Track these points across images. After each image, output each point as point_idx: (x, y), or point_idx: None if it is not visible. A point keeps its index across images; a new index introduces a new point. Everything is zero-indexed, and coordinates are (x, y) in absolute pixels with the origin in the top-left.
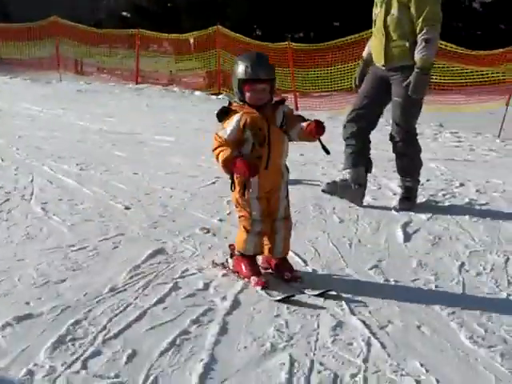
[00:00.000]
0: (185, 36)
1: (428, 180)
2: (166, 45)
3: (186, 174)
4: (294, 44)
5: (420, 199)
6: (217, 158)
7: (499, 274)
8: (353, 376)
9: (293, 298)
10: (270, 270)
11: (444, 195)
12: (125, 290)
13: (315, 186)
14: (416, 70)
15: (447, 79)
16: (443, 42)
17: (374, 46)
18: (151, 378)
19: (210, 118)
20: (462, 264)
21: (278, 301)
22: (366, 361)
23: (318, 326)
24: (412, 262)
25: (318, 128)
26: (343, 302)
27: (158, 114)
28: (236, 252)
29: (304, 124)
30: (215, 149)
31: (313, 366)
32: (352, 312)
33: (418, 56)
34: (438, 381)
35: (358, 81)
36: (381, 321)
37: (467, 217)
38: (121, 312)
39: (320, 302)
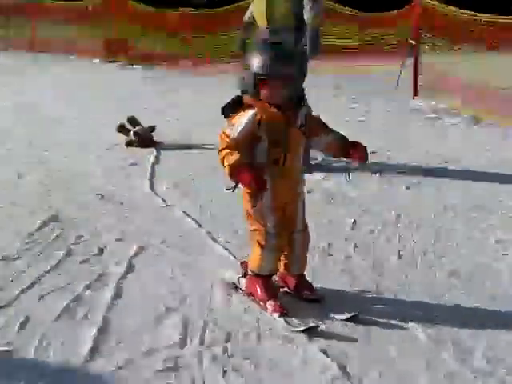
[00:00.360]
0: (82, 3)
1: None
2: (63, 12)
3: (81, 142)
4: (191, 9)
5: (315, 160)
6: (222, 162)
7: (391, 231)
8: (246, 334)
9: (319, 328)
10: (285, 289)
11: None
12: (18, 258)
13: (205, 150)
14: (309, 29)
15: (344, 42)
16: (340, 5)
17: (257, 8)
18: (44, 343)
19: (107, 85)
20: (355, 222)
21: (302, 332)
22: (259, 319)
23: (212, 287)
24: None
25: (365, 156)
26: (238, 262)
27: (55, 82)
28: (249, 271)
29: (342, 143)
30: (222, 150)
31: (206, 326)
32: (245, 273)
33: (308, 15)
34: (328, 330)
35: (239, 44)
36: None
37: (361, 176)
38: (14, 280)
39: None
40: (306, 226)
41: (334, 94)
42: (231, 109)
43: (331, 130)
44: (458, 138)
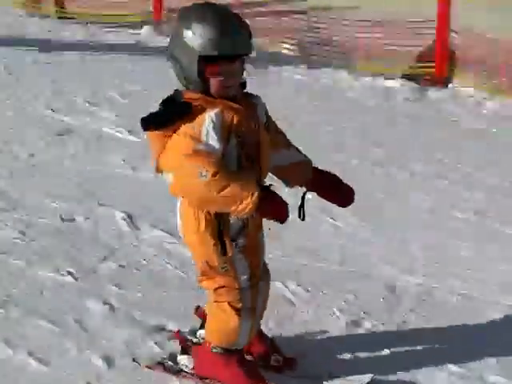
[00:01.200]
0: None
1: None
2: None
3: None
4: None
5: None
6: (219, 191)
7: None
8: None
9: None
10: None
11: None
12: None
13: None
14: None
15: None
16: None
17: None
18: None
19: None
20: None
21: None
22: None
23: None
24: None
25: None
26: None
27: None
28: (213, 348)
29: (309, 169)
30: (214, 174)
31: None
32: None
33: None
34: None
35: None
36: None
37: None
38: None
39: None
40: (267, 269)
41: None
42: (172, 116)
43: (292, 145)
44: None
